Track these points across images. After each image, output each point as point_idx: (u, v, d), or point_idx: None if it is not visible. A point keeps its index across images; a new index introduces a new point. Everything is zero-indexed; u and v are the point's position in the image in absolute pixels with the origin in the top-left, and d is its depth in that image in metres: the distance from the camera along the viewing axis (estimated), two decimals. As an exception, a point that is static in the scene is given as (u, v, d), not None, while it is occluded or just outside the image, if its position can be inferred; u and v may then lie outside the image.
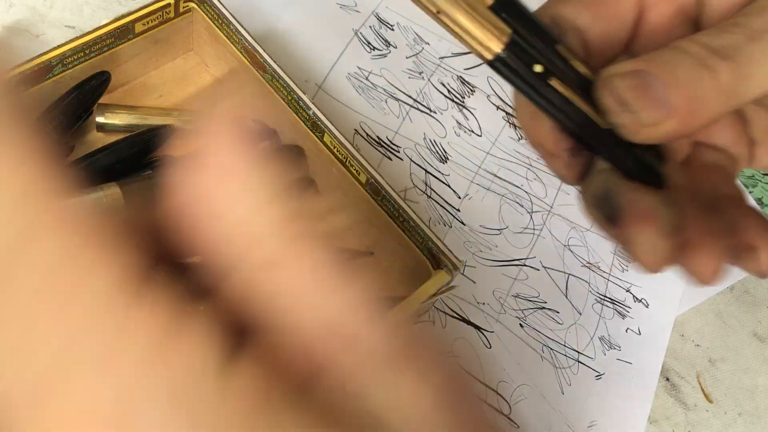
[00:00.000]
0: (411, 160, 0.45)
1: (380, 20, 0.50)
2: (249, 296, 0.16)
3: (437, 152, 0.46)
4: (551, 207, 0.46)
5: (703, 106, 0.22)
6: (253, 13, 0.48)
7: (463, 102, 0.48)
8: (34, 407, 0.13)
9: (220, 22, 0.41)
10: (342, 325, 0.15)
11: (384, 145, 0.45)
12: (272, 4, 0.49)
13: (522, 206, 0.45)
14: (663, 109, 0.22)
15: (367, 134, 0.46)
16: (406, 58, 0.49)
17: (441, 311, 0.41)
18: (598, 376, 0.41)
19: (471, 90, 0.49)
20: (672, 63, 0.22)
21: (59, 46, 0.37)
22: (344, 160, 0.38)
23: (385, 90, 0.47)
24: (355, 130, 0.46)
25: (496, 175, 0.46)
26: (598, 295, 0.43)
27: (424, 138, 0.46)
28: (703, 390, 0.42)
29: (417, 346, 0.16)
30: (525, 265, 0.43)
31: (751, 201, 0.41)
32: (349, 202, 0.18)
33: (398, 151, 0.45)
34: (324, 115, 0.39)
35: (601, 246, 0.45)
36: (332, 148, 0.39)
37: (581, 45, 0.24)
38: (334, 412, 0.15)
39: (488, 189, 0.45)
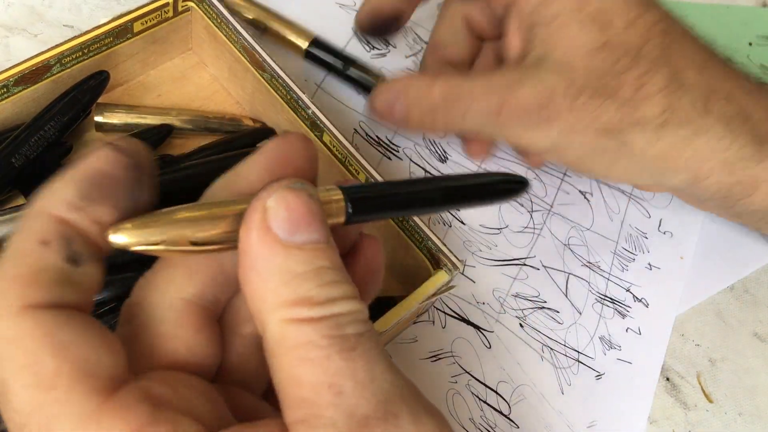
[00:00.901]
0: (410, 159, 0.45)
1: (379, 19, 0.50)
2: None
3: (436, 152, 0.46)
4: (551, 206, 0.45)
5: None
6: (252, 12, 0.48)
7: (463, 101, 0.48)
8: None
9: (219, 21, 0.41)
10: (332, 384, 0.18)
11: (383, 144, 0.45)
12: (271, 4, 0.49)
13: (522, 205, 0.45)
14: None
15: (367, 134, 0.45)
16: (406, 57, 0.49)
17: (440, 311, 0.41)
18: (598, 376, 0.41)
19: (470, 89, 0.49)
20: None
21: (57, 46, 0.37)
22: (344, 159, 0.38)
23: (384, 89, 0.47)
24: (355, 129, 0.45)
25: (495, 175, 0.46)
26: (598, 294, 0.43)
27: (424, 137, 0.46)
28: (703, 390, 0.42)
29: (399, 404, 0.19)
30: (525, 265, 0.43)
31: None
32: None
33: (397, 151, 0.45)
34: (323, 114, 0.38)
35: (601, 245, 0.45)
36: (331, 147, 0.38)
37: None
38: None
39: (488, 188, 0.45)
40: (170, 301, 0.20)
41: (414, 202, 0.24)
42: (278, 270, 0.19)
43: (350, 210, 0.21)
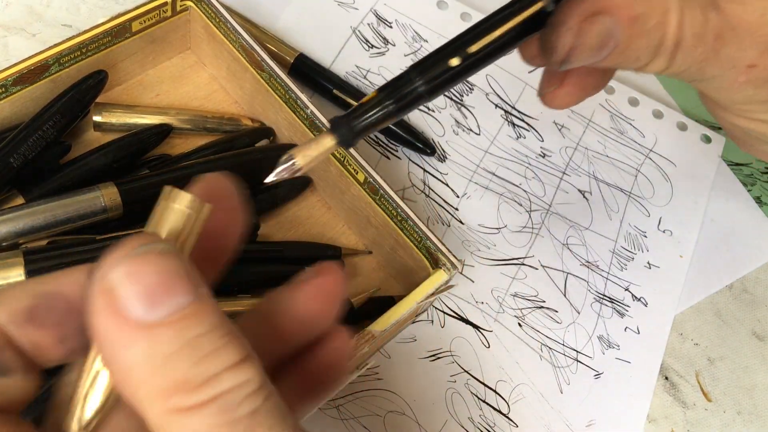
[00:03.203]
0: (409, 159, 0.45)
1: (378, 18, 0.50)
2: None
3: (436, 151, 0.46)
4: (550, 206, 0.45)
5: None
6: (250, 11, 0.48)
7: (462, 100, 0.48)
8: None
9: (218, 20, 0.41)
10: None
11: (382, 144, 0.45)
12: (270, 3, 0.49)
13: (520, 205, 0.45)
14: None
15: (366, 133, 0.45)
16: (405, 56, 0.49)
17: (439, 310, 0.41)
18: (597, 376, 0.41)
19: (470, 88, 0.49)
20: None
21: (56, 45, 0.37)
22: (342, 159, 0.38)
23: (383, 88, 0.47)
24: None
25: (494, 174, 0.46)
26: (596, 294, 0.43)
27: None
28: (702, 389, 0.42)
29: None
30: (524, 264, 0.43)
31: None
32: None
33: (396, 150, 0.45)
34: (322, 114, 0.38)
35: (599, 245, 0.45)
36: (330, 147, 0.38)
37: None
38: None
39: (487, 188, 0.45)
40: None
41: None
42: (143, 357, 0.16)
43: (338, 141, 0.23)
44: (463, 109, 0.48)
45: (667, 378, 0.42)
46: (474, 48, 0.23)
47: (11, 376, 0.17)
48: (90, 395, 0.18)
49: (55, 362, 0.18)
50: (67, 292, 0.18)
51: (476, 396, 0.39)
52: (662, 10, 0.23)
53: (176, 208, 0.17)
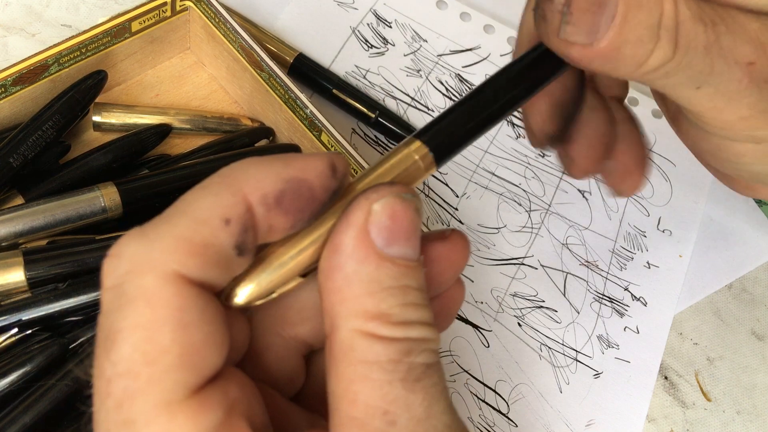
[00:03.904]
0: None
1: (378, 17, 0.50)
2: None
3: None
4: (549, 205, 0.45)
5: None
6: (250, 11, 0.48)
7: (461, 100, 0.48)
8: None
9: (217, 20, 0.41)
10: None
11: (381, 143, 0.45)
12: (270, 3, 0.49)
13: (520, 205, 0.45)
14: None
15: (365, 133, 0.45)
16: (404, 55, 0.49)
17: (439, 310, 0.41)
18: (597, 375, 0.41)
19: (469, 88, 0.49)
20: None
21: (55, 45, 0.37)
22: (342, 159, 0.38)
23: (382, 88, 0.47)
24: (353, 128, 0.45)
25: (494, 174, 0.46)
26: (596, 293, 0.43)
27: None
28: (701, 388, 0.42)
29: None
30: (523, 264, 0.43)
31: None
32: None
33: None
34: (321, 113, 0.38)
35: (599, 245, 0.45)
36: (330, 146, 0.38)
37: None
38: None
39: (486, 188, 0.45)
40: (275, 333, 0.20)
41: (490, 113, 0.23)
42: (366, 278, 0.18)
43: (435, 159, 0.21)
44: (462, 108, 0.48)
45: (666, 378, 0.42)
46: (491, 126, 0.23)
47: (246, 257, 0.18)
48: (282, 266, 0.19)
49: (268, 242, 0.19)
50: (311, 180, 0.18)
51: (476, 396, 0.39)
52: None
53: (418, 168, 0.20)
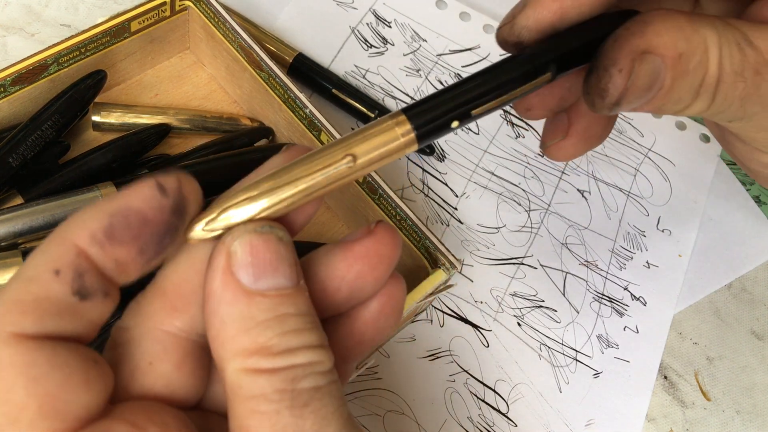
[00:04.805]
0: (408, 158, 0.45)
1: (377, 17, 0.50)
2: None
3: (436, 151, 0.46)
4: (549, 205, 0.45)
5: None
6: (249, 11, 0.48)
7: (461, 100, 0.48)
8: None
9: (217, 20, 0.41)
10: None
11: (381, 143, 0.45)
12: (269, 3, 0.49)
13: (519, 204, 0.45)
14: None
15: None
16: (404, 55, 0.49)
17: (439, 310, 0.41)
18: (596, 375, 0.41)
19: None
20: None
21: (55, 45, 0.37)
22: (341, 158, 0.38)
23: (382, 88, 0.47)
24: (352, 128, 0.45)
25: (493, 174, 0.46)
26: (595, 293, 0.43)
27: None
28: (701, 388, 0.42)
29: None
30: (523, 264, 0.43)
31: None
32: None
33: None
34: (321, 113, 0.38)
35: (599, 244, 0.45)
36: (329, 146, 0.38)
37: None
38: None
39: (486, 187, 0.45)
40: (154, 333, 0.20)
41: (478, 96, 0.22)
42: (239, 317, 0.18)
43: (418, 136, 0.20)
44: (462, 108, 0.48)
45: (666, 377, 0.42)
46: (476, 112, 0.22)
47: (93, 300, 0.18)
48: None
49: (135, 276, 0.19)
50: (138, 206, 0.18)
51: (475, 395, 0.39)
52: (703, 48, 0.22)
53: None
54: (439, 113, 0.21)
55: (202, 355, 0.21)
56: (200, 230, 0.19)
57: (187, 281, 0.20)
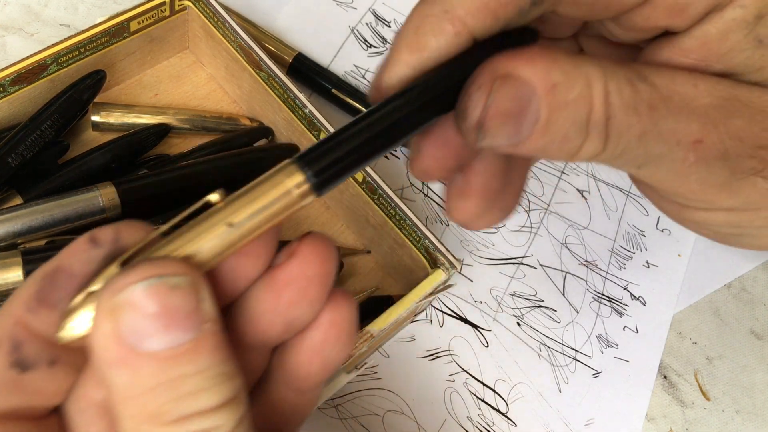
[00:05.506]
0: (408, 158, 0.45)
1: (377, 17, 0.50)
2: None
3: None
4: (548, 205, 0.45)
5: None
6: (249, 10, 0.48)
7: (460, 100, 0.48)
8: None
9: (216, 20, 0.41)
10: None
11: (381, 143, 0.45)
12: (269, 2, 0.49)
13: (519, 204, 0.45)
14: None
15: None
16: (403, 55, 0.49)
17: (438, 310, 0.41)
18: (596, 375, 0.41)
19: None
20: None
21: (54, 45, 0.37)
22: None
23: (381, 88, 0.47)
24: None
25: (493, 173, 0.46)
26: (595, 293, 0.43)
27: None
28: (700, 388, 0.42)
29: None
30: (522, 264, 0.43)
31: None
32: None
33: (395, 149, 0.45)
34: (320, 113, 0.38)
35: (598, 244, 0.45)
36: (329, 146, 0.38)
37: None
38: None
39: (485, 187, 0.45)
40: (86, 408, 0.18)
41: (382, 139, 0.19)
42: (128, 384, 0.16)
43: (316, 188, 0.18)
44: (461, 108, 0.48)
45: (665, 377, 0.42)
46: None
47: (36, 370, 0.17)
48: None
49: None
50: (68, 264, 0.17)
51: (475, 395, 0.39)
52: (584, 81, 0.20)
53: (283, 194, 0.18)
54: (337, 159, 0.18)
55: None
56: (69, 325, 0.17)
57: None
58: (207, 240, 0.17)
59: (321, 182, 0.18)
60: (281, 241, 0.19)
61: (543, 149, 0.20)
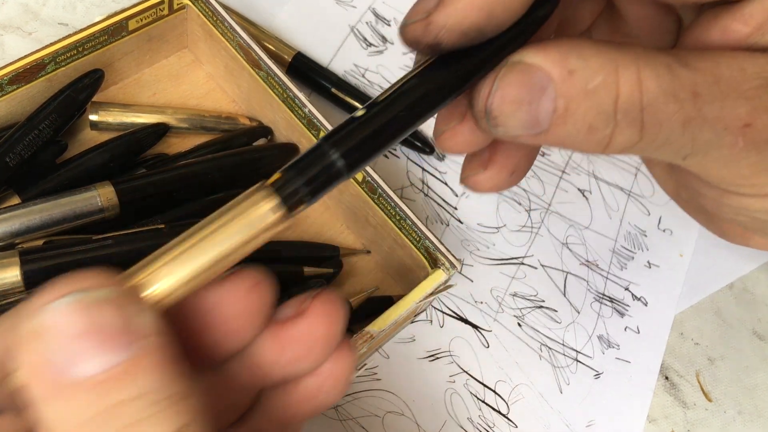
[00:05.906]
0: (408, 157, 0.45)
1: (377, 16, 0.50)
2: None
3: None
4: (549, 205, 0.45)
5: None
6: (248, 9, 0.48)
7: (461, 99, 0.48)
8: None
9: (215, 19, 0.40)
10: None
11: (381, 142, 0.45)
12: (268, 1, 0.49)
13: (520, 204, 0.45)
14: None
15: (364, 132, 0.45)
16: (403, 54, 0.49)
17: (438, 310, 0.40)
18: (597, 375, 0.40)
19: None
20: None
21: (52, 44, 0.37)
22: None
23: (381, 87, 0.47)
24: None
25: (493, 173, 0.46)
26: (596, 293, 0.43)
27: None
28: (702, 389, 0.42)
29: None
30: (523, 264, 0.43)
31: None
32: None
33: (395, 149, 0.45)
34: (320, 112, 0.38)
35: (599, 244, 0.45)
36: (328, 146, 0.38)
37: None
38: None
39: (486, 187, 0.45)
40: None
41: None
42: (61, 416, 0.14)
43: (287, 210, 0.17)
44: (462, 107, 0.47)
45: (667, 378, 0.42)
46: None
47: (3, 417, 0.16)
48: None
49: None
50: None
51: (475, 396, 0.38)
52: (610, 68, 0.19)
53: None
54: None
55: None
56: None
57: None
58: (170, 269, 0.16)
59: (293, 204, 0.17)
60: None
61: (568, 140, 0.19)
